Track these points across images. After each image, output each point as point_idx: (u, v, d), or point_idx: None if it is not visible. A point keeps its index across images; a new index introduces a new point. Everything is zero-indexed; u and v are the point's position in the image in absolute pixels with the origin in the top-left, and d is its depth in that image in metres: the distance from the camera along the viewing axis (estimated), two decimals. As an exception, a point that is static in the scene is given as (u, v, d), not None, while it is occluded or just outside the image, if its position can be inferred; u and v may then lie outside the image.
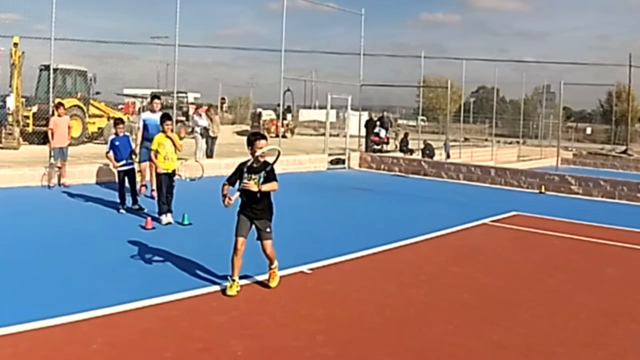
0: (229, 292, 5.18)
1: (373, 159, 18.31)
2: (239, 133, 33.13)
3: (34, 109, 17.71)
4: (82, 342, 4.05)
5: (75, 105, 18.34)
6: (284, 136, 21.25)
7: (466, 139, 32.10)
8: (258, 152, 5.08)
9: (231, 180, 5.24)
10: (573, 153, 31.85)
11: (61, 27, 13.21)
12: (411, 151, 22.43)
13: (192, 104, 28.07)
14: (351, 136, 19.89)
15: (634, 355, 4.35)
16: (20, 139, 16.88)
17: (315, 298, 5.25)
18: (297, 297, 5.22)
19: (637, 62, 37.15)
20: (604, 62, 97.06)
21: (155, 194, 8.71)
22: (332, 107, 22.02)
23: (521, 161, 27.02)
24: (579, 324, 4.92)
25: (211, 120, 15.20)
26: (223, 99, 44.98)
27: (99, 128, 20.42)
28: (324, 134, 20.03)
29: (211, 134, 15.07)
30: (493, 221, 9.57)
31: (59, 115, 11.31)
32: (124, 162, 8.95)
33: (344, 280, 5.92)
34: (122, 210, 8.94)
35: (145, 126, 10.13)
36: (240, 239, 5.24)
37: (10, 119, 16.69)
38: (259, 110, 37.11)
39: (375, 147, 21.18)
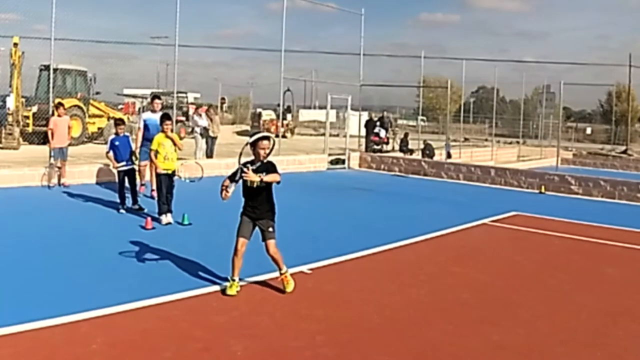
0: (228, 292, 5.18)
1: (373, 159, 18.31)
2: (239, 133, 33.14)
3: (34, 109, 17.72)
4: (82, 342, 4.05)
5: (75, 105, 18.35)
6: (284, 136, 21.24)
7: (466, 139, 32.10)
8: (261, 153, 5.05)
9: (233, 178, 5.21)
10: (573, 153, 31.84)
11: (61, 27, 13.21)
12: (411, 151, 22.43)
13: (192, 104, 28.09)
14: (351, 136, 19.90)
15: (634, 355, 4.35)
16: (20, 139, 16.88)
17: (315, 298, 5.25)
18: (297, 297, 5.21)
19: (637, 62, 37.15)
20: (604, 62, 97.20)
21: (155, 194, 8.71)
22: (332, 107, 22.03)
23: (521, 161, 27.01)
24: (579, 324, 4.91)
25: (211, 120, 15.20)
26: (223, 99, 45.00)
27: (98, 128, 20.43)
28: (323, 134, 20.04)
29: (211, 134, 15.07)
30: (493, 221, 9.57)
31: (59, 116, 11.31)
32: (124, 163, 8.95)
33: (344, 280, 5.92)
34: (122, 211, 8.94)
35: (145, 126, 10.13)
36: (241, 240, 5.22)
37: (10, 119, 16.69)
38: (259, 110, 37.13)
39: (375, 147, 21.18)
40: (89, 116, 19.84)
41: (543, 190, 13.94)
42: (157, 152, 8.18)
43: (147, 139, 9.64)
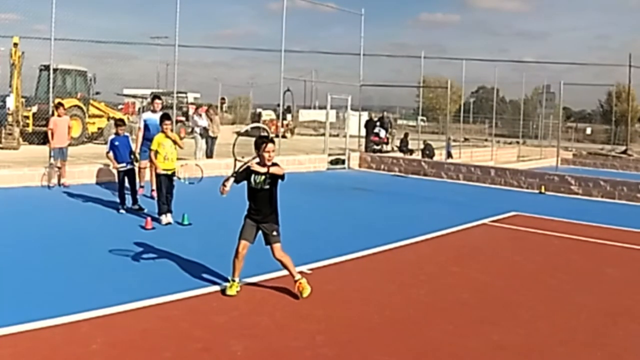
0: (228, 292, 5.18)
1: (373, 159, 18.31)
2: (239, 133, 33.14)
3: (34, 109, 17.71)
4: (82, 342, 4.05)
5: (75, 106, 18.34)
6: (283, 136, 21.25)
7: (466, 139, 32.10)
8: (266, 155, 5.02)
9: (236, 177, 5.19)
10: (573, 153, 31.85)
11: (61, 27, 13.21)
12: (411, 151, 22.43)
13: (192, 104, 28.07)
14: (351, 136, 19.89)
15: (634, 355, 4.35)
16: (20, 139, 16.87)
17: (315, 298, 5.24)
18: (297, 297, 5.21)
19: (637, 62, 37.14)
20: (604, 62, 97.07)
21: (155, 194, 8.71)
22: (332, 107, 22.03)
23: (521, 161, 27.01)
24: (579, 324, 4.92)
25: (211, 120, 15.20)
26: (223, 99, 44.97)
27: (98, 128, 20.43)
28: (323, 134, 20.05)
29: (211, 134, 15.07)
30: (493, 221, 9.57)
31: (59, 116, 11.31)
32: (124, 164, 8.95)
33: (344, 280, 5.92)
34: (122, 211, 8.94)
35: (146, 126, 10.13)
36: (243, 243, 5.19)
37: (10, 119, 16.69)
38: (258, 110, 37.18)
39: (375, 147, 21.18)
40: (89, 116, 19.83)
41: (543, 190, 13.94)
42: (156, 152, 8.19)
43: (148, 139, 9.64)
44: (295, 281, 5.22)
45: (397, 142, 23.41)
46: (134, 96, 28.45)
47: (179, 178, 8.21)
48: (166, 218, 8.19)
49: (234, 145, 5.23)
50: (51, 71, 12.87)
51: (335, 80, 33.64)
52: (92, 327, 4.32)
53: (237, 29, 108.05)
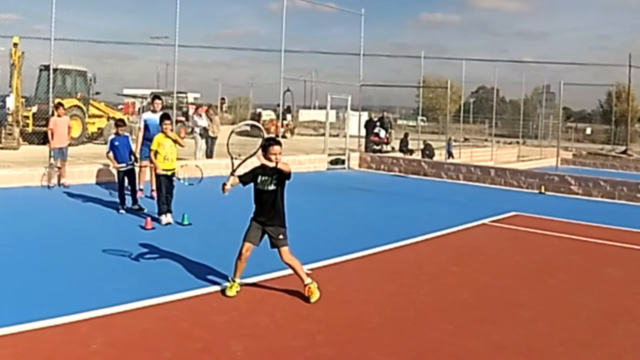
0: (228, 293, 5.17)
1: (373, 159, 18.32)
2: (239, 133, 33.12)
3: (34, 109, 17.71)
4: (82, 342, 4.05)
5: (75, 106, 18.34)
6: (283, 136, 21.27)
7: (466, 139, 32.11)
8: (272, 158, 4.98)
9: (243, 178, 5.19)
10: (573, 153, 31.85)
11: (61, 27, 13.22)
12: (411, 151, 22.44)
13: (191, 104, 28.07)
14: (351, 136, 19.89)
15: (634, 355, 4.35)
16: (20, 139, 16.87)
17: (315, 298, 5.24)
18: (297, 297, 5.21)
19: (637, 62, 37.09)
20: (604, 62, 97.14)
21: (155, 194, 8.71)
22: (332, 107, 22.02)
23: (521, 161, 27.01)
24: (579, 324, 4.92)
25: (211, 120, 15.20)
26: (223, 99, 44.94)
27: (98, 128, 20.42)
28: (323, 134, 20.05)
29: (211, 134, 15.07)
30: (493, 221, 9.57)
31: (59, 116, 11.31)
32: (124, 164, 8.95)
33: (344, 280, 5.92)
34: (122, 211, 8.94)
35: (146, 126, 10.12)
36: (247, 245, 5.17)
37: (10, 119, 16.68)
38: (258, 110, 37.16)
39: (375, 147, 21.19)
40: (89, 116, 19.83)
41: (543, 190, 13.94)
42: (156, 152, 8.19)
43: (148, 139, 9.63)
44: (305, 285, 5.18)
45: (395, 143, 23.35)
46: (134, 96, 28.44)
47: (179, 178, 8.22)
48: (166, 218, 8.19)
49: (228, 142, 5.23)
50: (51, 71, 12.87)
51: (335, 80, 33.67)
52: (92, 327, 4.32)
53: (237, 29, 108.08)
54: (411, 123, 42.52)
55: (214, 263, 6.12)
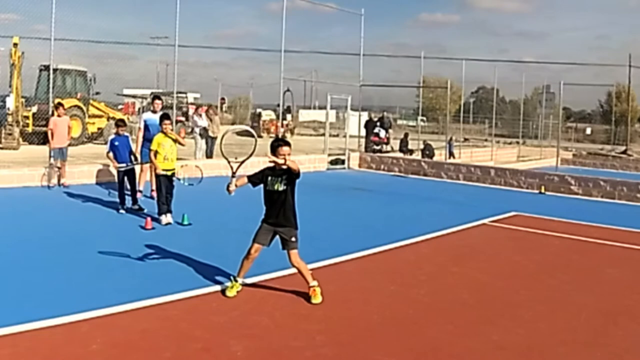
0: (228, 293, 5.15)
1: (373, 159, 18.32)
2: (239, 133, 33.13)
3: (34, 109, 17.73)
4: (82, 342, 4.05)
5: (74, 106, 18.35)
6: (283, 136, 21.23)
7: (466, 139, 32.12)
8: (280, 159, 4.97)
9: (252, 179, 5.20)
10: (573, 153, 31.85)
11: (61, 27, 13.22)
12: (411, 151, 22.44)
13: (191, 104, 28.07)
14: (351, 136, 19.90)
15: (634, 355, 4.35)
16: (20, 139, 16.88)
17: (315, 298, 5.24)
18: (297, 297, 5.21)
19: (637, 62, 37.09)
20: (604, 62, 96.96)
21: (154, 194, 8.71)
22: (331, 108, 22.02)
23: (521, 161, 27.02)
24: (579, 324, 4.92)
25: (211, 120, 15.21)
26: (223, 99, 44.98)
27: (98, 128, 20.44)
28: (323, 134, 20.05)
29: (211, 134, 15.08)
30: (493, 221, 9.57)
31: (59, 116, 11.31)
32: (124, 164, 8.95)
33: (344, 280, 5.92)
34: (121, 211, 8.94)
35: (146, 127, 10.12)
36: (256, 245, 5.15)
37: (10, 119, 16.69)
38: (258, 110, 37.15)
39: (375, 147, 21.19)
40: (89, 116, 19.84)
41: (543, 190, 13.94)
42: (156, 152, 8.19)
43: (148, 139, 9.63)
44: (310, 287, 5.18)
45: (394, 143, 23.32)
46: (134, 96, 28.44)
47: (179, 179, 8.22)
48: (166, 218, 8.19)
49: (221, 145, 5.25)
50: (51, 71, 12.88)
51: (335, 80, 33.63)
52: (92, 327, 4.32)
53: (237, 29, 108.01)
54: (411, 123, 42.54)
55: (214, 263, 6.12)
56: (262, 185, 5.21)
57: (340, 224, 9.10)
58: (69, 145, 11.68)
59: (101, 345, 4.02)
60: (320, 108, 45.66)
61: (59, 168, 11.30)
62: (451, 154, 23.65)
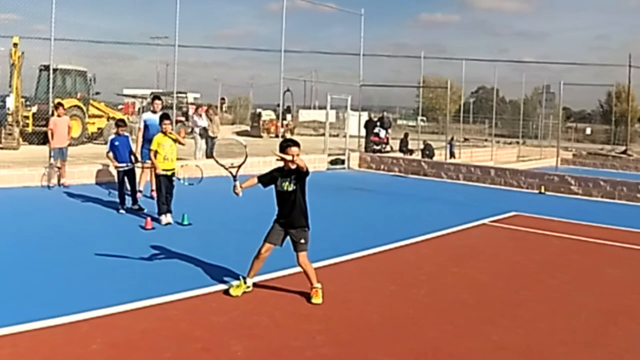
0: (232, 292, 5.12)
1: (373, 159, 18.32)
2: (239, 133, 33.14)
3: (34, 109, 17.72)
4: (82, 342, 4.05)
5: (74, 106, 18.35)
6: (283, 136, 21.24)
7: (466, 139, 32.12)
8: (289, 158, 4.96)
9: (262, 179, 5.21)
10: (573, 153, 31.85)
11: (61, 27, 13.22)
12: (411, 151, 22.44)
13: (191, 104, 28.07)
14: (351, 136, 19.90)
15: (634, 355, 4.35)
16: (20, 139, 16.87)
17: (315, 298, 5.24)
18: (297, 297, 5.21)
19: (637, 62, 37.06)
20: (604, 62, 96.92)
21: (154, 194, 8.71)
22: (331, 108, 22.02)
23: (521, 161, 27.01)
24: (579, 324, 4.92)
25: (211, 120, 15.20)
26: (223, 99, 44.97)
27: (98, 128, 20.43)
28: (323, 134, 20.04)
29: (211, 134, 15.07)
30: (493, 221, 9.57)
31: (59, 116, 11.31)
32: (124, 164, 8.95)
33: (344, 280, 5.92)
34: (121, 211, 8.94)
35: (146, 127, 10.11)
36: (267, 245, 5.14)
37: (10, 119, 16.69)
38: (258, 110, 37.10)
39: (375, 147, 21.19)
40: (89, 116, 19.84)
41: (543, 190, 13.94)
42: (156, 152, 8.19)
43: (148, 139, 9.62)
44: (312, 287, 5.18)
45: (393, 143, 23.30)
46: (134, 96, 28.45)
47: (179, 178, 8.22)
48: (166, 218, 8.19)
49: (214, 156, 5.28)
50: (51, 71, 12.87)
51: (335, 80, 33.66)
52: (92, 327, 4.32)
53: (237, 29, 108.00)
54: (411, 123, 42.54)
55: (214, 263, 6.12)
56: (273, 186, 5.21)
57: (340, 224, 9.09)
58: (69, 145, 11.68)
59: (101, 345, 4.02)
60: (320, 108, 45.66)
61: (59, 168, 11.30)
62: (452, 154, 23.64)
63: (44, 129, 12.98)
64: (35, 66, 18.25)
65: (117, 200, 9.12)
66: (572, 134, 39.90)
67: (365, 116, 23.60)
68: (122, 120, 9.69)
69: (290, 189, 5.11)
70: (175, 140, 8.34)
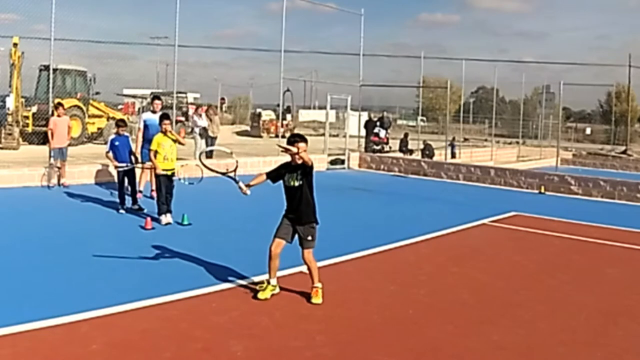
0: (260, 296, 5.06)
1: (372, 159, 18.32)
2: (239, 133, 33.16)
3: (34, 109, 17.72)
4: (81, 342, 4.05)
5: (74, 106, 18.35)
6: (283, 136, 21.23)
7: (466, 139, 32.12)
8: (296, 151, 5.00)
9: (270, 175, 5.25)
10: (573, 153, 31.84)
11: (61, 27, 13.22)
12: (411, 151, 22.43)
13: (191, 104, 28.07)
14: (351, 136, 19.89)
15: (634, 355, 4.35)
16: (20, 139, 16.88)
17: (315, 298, 5.24)
18: (297, 297, 5.21)
19: (637, 62, 37.07)
20: (604, 62, 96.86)
21: (154, 194, 8.71)
22: (331, 107, 22.01)
23: (521, 161, 27.02)
24: (579, 324, 4.92)
25: (211, 120, 15.19)
26: (223, 99, 44.99)
27: (98, 128, 20.44)
28: (323, 134, 20.04)
29: (211, 134, 15.06)
30: (493, 221, 9.57)
31: (59, 116, 11.31)
32: (124, 164, 8.94)
33: (344, 280, 5.92)
34: (121, 211, 8.93)
35: (146, 127, 10.11)
36: (277, 240, 5.12)
37: (9, 119, 16.69)
38: (258, 110, 37.11)
39: (375, 147, 21.19)
40: (89, 116, 19.84)
41: (543, 190, 13.94)
42: (156, 152, 8.19)
43: (148, 139, 9.62)
44: (314, 287, 5.19)
45: (393, 143, 23.29)
46: (134, 96, 28.45)
47: (179, 178, 8.22)
48: (166, 218, 8.19)
49: (203, 163, 5.37)
50: (51, 71, 12.87)
51: (335, 80, 33.70)
52: (92, 328, 4.32)
53: (237, 29, 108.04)
54: (411, 123, 42.54)
55: (214, 263, 6.12)
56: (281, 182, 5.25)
57: (340, 224, 9.08)
58: (69, 145, 11.68)
59: (101, 345, 4.02)
60: (320, 108, 45.65)
61: (58, 168, 11.30)
62: (453, 155, 23.65)
63: (44, 129, 12.98)
64: (35, 66, 18.29)
65: (117, 200, 9.12)
66: (572, 134, 39.89)
67: (365, 116, 23.59)
68: (123, 120, 9.70)
69: (296, 184, 5.14)
70: (175, 141, 8.34)
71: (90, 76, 20.51)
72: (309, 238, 5.18)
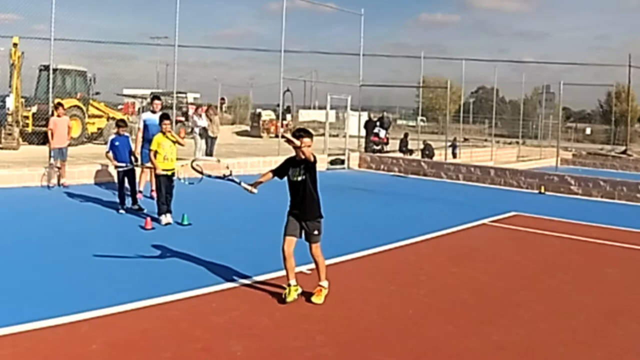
0: (288, 299, 5.00)
1: (372, 159, 18.32)
2: (239, 133, 33.14)
3: (34, 109, 17.71)
4: (81, 342, 4.05)
5: (74, 106, 18.33)
6: (283, 136, 21.27)
7: (466, 139, 32.11)
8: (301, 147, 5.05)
9: (276, 172, 5.28)
10: (572, 153, 31.85)
11: (61, 27, 13.22)
12: (411, 151, 22.43)
13: (191, 104, 28.06)
14: (350, 136, 19.89)
15: (634, 355, 4.35)
16: (20, 139, 16.87)
17: (315, 298, 5.23)
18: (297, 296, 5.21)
19: (637, 62, 37.05)
20: (604, 62, 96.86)
21: (154, 194, 8.71)
22: (331, 108, 22.01)
23: (521, 161, 27.02)
24: (579, 324, 4.92)
25: (211, 120, 15.19)
26: (222, 99, 44.97)
27: (98, 128, 20.42)
28: (323, 134, 20.04)
29: (210, 134, 15.06)
30: (492, 221, 9.57)
31: (59, 116, 11.31)
32: (124, 164, 8.94)
33: (344, 280, 5.91)
34: (121, 211, 8.93)
35: (146, 127, 10.10)
36: (288, 239, 5.09)
37: (9, 119, 16.68)
38: (258, 110, 37.09)
39: (375, 147, 21.19)
40: (89, 116, 19.82)
41: (543, 190, 13.94)
42: (156, 152, 8.19)
43: (148, 139, 9.62)
44: (318, 285, 5.19)
45: (392, 143, 23.27)
46: (134, 96, 28.44)
47: (179, 178, 8.22)
48: (166, 218, 8.19)
49: (192, 166, 5.40)
50: (51, 71, 12.87)
51: (335, 80, 33.72)
52: (92, 328, 4.32)
53: (237, 29, 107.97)
54: (411, 123, 42.54)
55: (214, 263, 6.12)
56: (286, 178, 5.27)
57: (340, 224, 9.07)
58: (69, 145, 11.67)
59: (101, 345, 4.02)
60: (320, 108, 45.62)
61: (58, 168, 11.30)
62: (454, 155, 23.65)
63: (44, 129, 12.98)
64: (35, 66, 18.27)
65: (117, 200, 9.12)
66: (572, 134, 39.92)
67: (365, 116, 23.59)
68: (123, 121, 9.70)
69: (299, 179, 5.16)
70: (174, 142, 8.34)
71: (90, 76, 20.50)
72: (315, 232, 5.19)
